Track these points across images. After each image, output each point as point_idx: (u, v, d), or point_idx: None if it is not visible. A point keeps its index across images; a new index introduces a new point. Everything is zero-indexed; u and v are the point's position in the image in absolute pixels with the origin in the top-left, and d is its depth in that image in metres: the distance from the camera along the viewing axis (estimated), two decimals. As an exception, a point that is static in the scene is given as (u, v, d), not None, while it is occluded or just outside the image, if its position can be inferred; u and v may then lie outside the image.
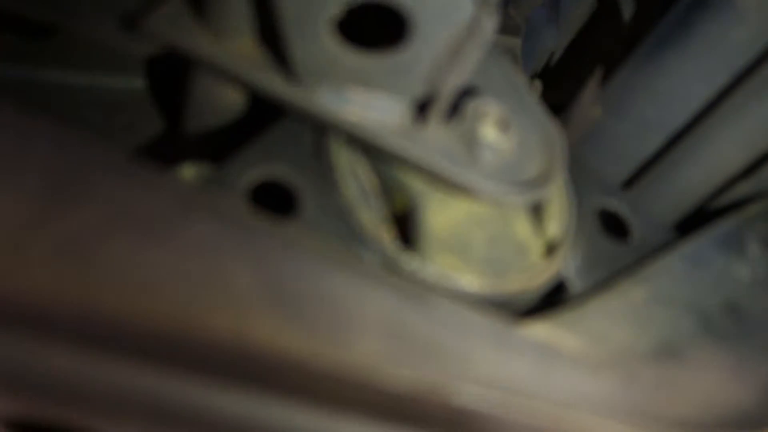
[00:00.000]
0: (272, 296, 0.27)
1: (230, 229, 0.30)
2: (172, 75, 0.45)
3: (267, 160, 0.38)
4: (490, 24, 0.34)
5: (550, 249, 0.42)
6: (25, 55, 0.43)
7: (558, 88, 0.84)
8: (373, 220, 0.38)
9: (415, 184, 0.39)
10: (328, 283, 0.29)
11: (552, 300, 0.42)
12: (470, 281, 0.37)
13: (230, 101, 0.42)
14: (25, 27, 0.43)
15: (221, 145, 0.45)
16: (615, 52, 0.63)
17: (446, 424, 0.29)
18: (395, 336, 0.28)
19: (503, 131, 0.39)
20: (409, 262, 0.36)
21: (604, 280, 0.42)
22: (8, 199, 0.27)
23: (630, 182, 0.53)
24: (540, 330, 0.35)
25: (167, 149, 0.46)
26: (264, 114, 0.41)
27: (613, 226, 0.47)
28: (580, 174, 0.47)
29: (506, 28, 0.90)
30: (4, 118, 0.29)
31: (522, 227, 0.41)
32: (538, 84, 0.89)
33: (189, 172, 0.47)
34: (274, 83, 0.37)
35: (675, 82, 0.50)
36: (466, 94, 0.39)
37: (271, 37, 0.36)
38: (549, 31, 0.91)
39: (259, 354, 0.26)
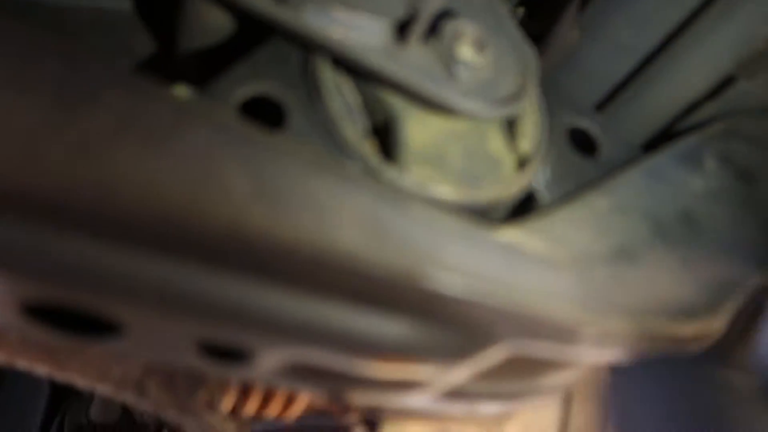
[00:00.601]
0: (263, 194, 0.31)
1: (224, 136, 0.33)
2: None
3: (256, 77, 0.40)
4: (466, -56, 0.36)
5: (522, 163, 0.45)
6: (20, -24, 0.45)
7: (540, 16, 0.85)
8: (356, 133, 0.41)
9: (396, 101, 0.42)
10: (313, 184, 0.33)
11: (522, 210, 0.46)
12: (445, 190, 0.40)
13: (220, 22, 0.44)
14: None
15: (212, 66, 0.48)
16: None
17: (418, 308, 0.33)
18: (372, 230, 0.32)
19: (479, 50, 0.42)
20: (389, 172, 0.39)
21: (571, 193, 0.46)
22: (24, 106, 0.30)
23: (603, 104, 0.56)
24: (508, 233, 0.39)
25: (160, 70, 0.48)
26: (253, 33, 0.43)
27: (583, 143, 0.50)
28: (554, 94, 0.50)
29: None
30: (17, 35, 0.32)
31: (496, 141, 0.45)
32: (520, 11, 0.89)
33: (181, 91, 0.49)
34: (262, 3, 0.39)
35: (648, 5, 0.52)
36: (445, 15, 0.42)
37: (259, -43, 0.38)
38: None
39: (252, 243, 0.29)
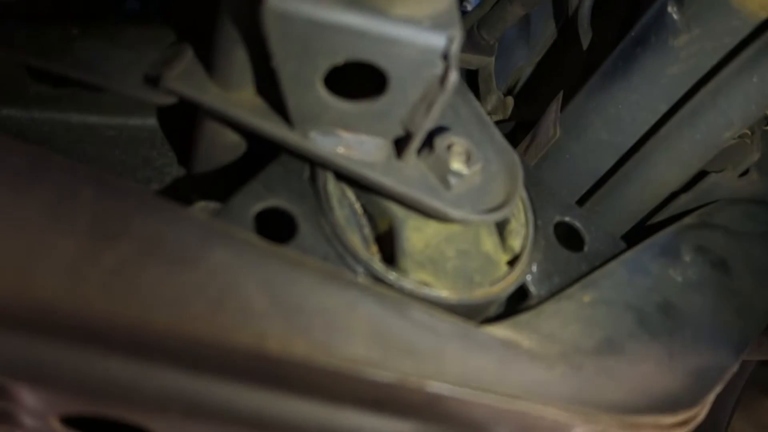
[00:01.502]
0: (281, 311, 0.34)
1: (243, 254, 0.37)
2: (182, 114, 0.52)
3: (269, 192, 0.44)
4: (454, 77, 0.41)
5: (513, 260, 0.49)
6: (53, 101, 0.50)
7: (528, 105, 0.92)
8: (360, 240, 0.45)
9: (395, 210, 0.46)
10: (325, 297, 0.36)
11: (515, 304, 0.49)
12: (443, 292, 0.44)
13: (234, 141, 0.49)
14: (54, 77, 0.49)
15: (226, 179, 0.52)
16: (575, 77, 0.70)
17: (421, 410, 0.36)
18: (378, 337, 0.35)
19: (469, 162, 0.46)
20: (391, 277, 0.43)
21: (559, 286, 0.49)
22: (64, 236, 0.34)
23: (585, 198, 0.60)
24: (501, 331, 0.42)
25: (180, 184, 0.53)
26: (264, 152, 0.47)
27: (569, 238, 0.54)
28: (540, 191, 0.54)
29: (480, 48, 0.97)
30: (55, 168, 0.36)
31: (488, 242, 0.48)
32: (510, 100, 0.96)
33: (200, 207, 0.53)
34: (273, 127, 0.43)
35: (623, 109, 0.58)
36: (437, 131, 0.46)
37: (270, 89, 0.43)
38: (521, 49, 0.98)
39: (272, 356, 0.32)
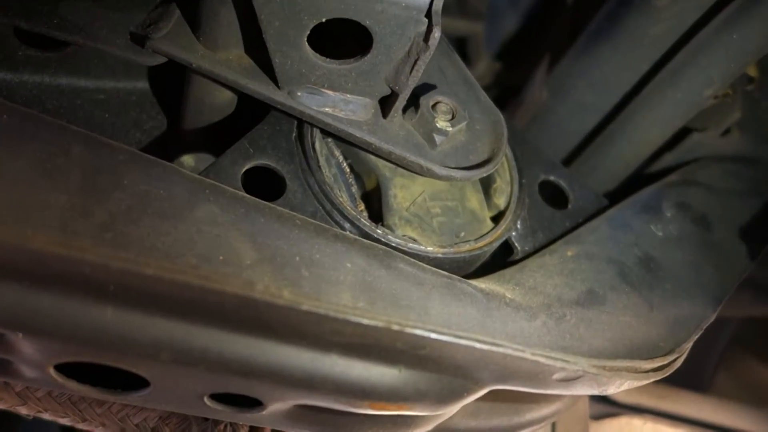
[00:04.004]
0: (269, 263, 0.35)
1: (231, 208, 0.38)
2: (171, 78, 0.52)
3: (257, 151, 0.45)
4: (438, 34, 0.41)
5: (497, 217, 0.50)
6: (42, 64, 0.50)
7: (518, 69, 0.92)
8: (348, 199, 0.46)
9: (382, 168, 0.47)
10: (312, 250, 0.37)
11: (500, 260, 0.51)
12: (429, 247, 0.45)
13: (223, 101, 0.49)
14: (43, 40, 0.49)
15: (215, 139, 0.53)
16: (561, 40, 0.71)
17: (407, 356, 0.37)
18: (365, 287, 0.36)
19: (454, 120, 0.47)
20: (379, 232, 0.44)
21: (543, 242, 0.50)
22: (56, 191, 0.35)
23: (571, 158, 0.61)
24: (485, 284, 0.43)
25: (169, 143, 0.53)
26: (252, 110, 0.48)
27: (553, 196, 0.55)
28: (525, 151, 0.55)
29: (469, 14, 0.97)
30: (46, 128, 0.37)
31: (474, 200, 0.50)
32: (498, 65, 0.96)
33: (188, 161, 0.54)
34: (260, 87, 0.44)
35: (607, 70, 0.58)
36: (422, 90, 0.47)
37: (257, 49, 0.43)
38: (510, 15, 0.98)
39: (261, 304, 0.34)
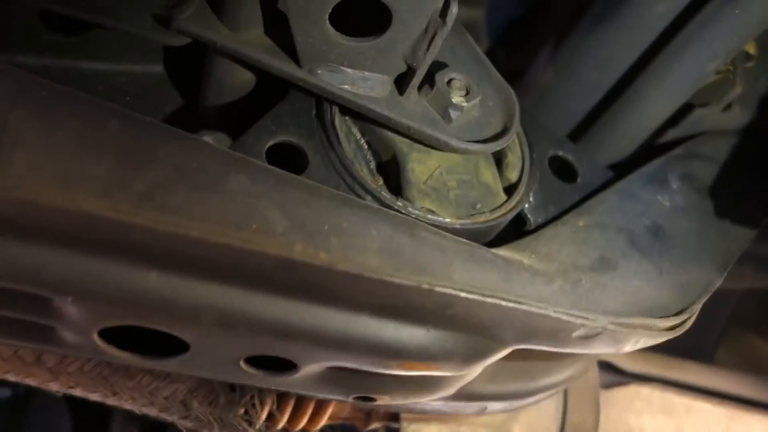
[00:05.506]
0: (299, 231, 0.37)
1: (262, 180, 0.39)
2: (188, 60, 0.54)
3: (279, 128, 0.46)
4: (455, 10, 0.43)
5: (510, 190, 0.52)
6: (65, 49, 0.51)
7: (519, 54, 0.93)
8: (366, 172, 0.47)
9: (399, 144, 0.48)
10: (340, 218, 0.39)
11: (513, 231, 0.52)
12: (447, 218, 0.47)
13: (242, 82, 0.51)
14: (66, 25, 0.50)
15: (236, 118, 0.54)
16: (564, 23, 0.72)
17: (433, 317, 0.39)
18: (391, 252, 0.38)
19: (468, 96, 0.48)
20: (398, 204, 0.46)
21: (554, 214, 0.52)
22: (96, 164, 0.36)
23: (577, 134, 0.63)
24: (503, 252, 0.45)
25: (189, 123, 0.55)
26: (273, 89, 0.49)
27: (563, 170, 0.57)
28: (534, 128, 0.56)
29: (470, 0, 0.98)
30: (82, 103, 0.38)
31: (487, 173, 0.51)
32: (501, 51, 0.97)
33: (208, 140, 0.55)
34: (282, 65, 0.45)
35: (612, 48, 0.60)
36: (436, 68, 0.49)
37: (278, 29, 0.45)
38: (511, 1, 0.99)
39: (296, 269, 0.35)
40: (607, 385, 0.84)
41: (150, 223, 0.33)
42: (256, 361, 0.42)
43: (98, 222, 0.32)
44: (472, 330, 0.41)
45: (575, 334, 0.43)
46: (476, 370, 0.45)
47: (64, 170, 0.34)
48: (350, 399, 0.46)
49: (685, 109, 0.61)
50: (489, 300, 0.38)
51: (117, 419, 1.36)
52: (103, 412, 1.37)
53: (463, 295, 0.38)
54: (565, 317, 0.41)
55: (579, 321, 0.41)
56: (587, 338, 0.44)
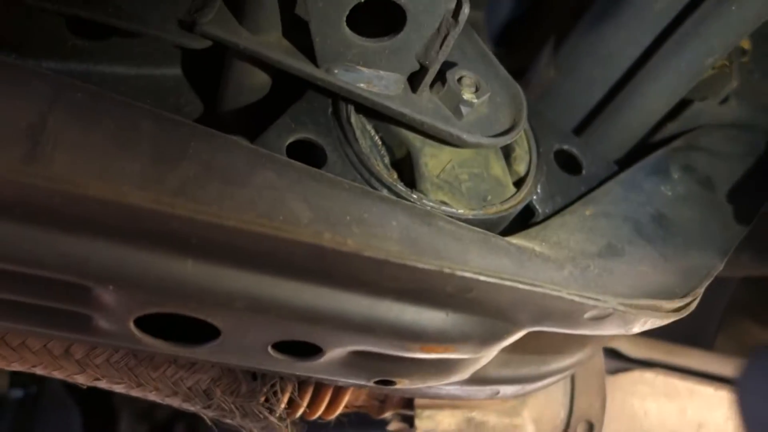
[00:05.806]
0: (323, 222, 0.39)
1: (286, 174, 0.41)
2: (205, 63, 0.56)
3: (298, 126, 0.48)
4: (467, 9, 0.45)
5: (519, 182, 0.54)
6: (88, 53, 0.53)
7: (519, 54, 0.96)
8: (382, 167, 0.49)
9: (413, 139, 0.51)
10: (360, 209, 0.41)
11: (522, 223, 0.55)
12: (460, 209, 0.49)
13: (260, 83, 0.53)
14: (90, 31, 0.52)
15: (251, 119, 0.56)
16: (564, 21, 0.74)
17: (452, 301, 0.41)
18: (410, 240, 0.40)
19: (478, 92, 0.51)
20: (413, 197, 0.48)
21: (561, 205, 0.54)
22: (130, 161, 0.38)
23: (581, 128, 0.65)
24: (515, 240, 0.47)
25: (207, 124, 0.56)
26: (290, 89, 0.51)
27: (568, 163, 0.59)
28: (540, 123, 0.59)
29: (470, 1, 1.01)
30: (115, 104, 0.40)
31: (497, 167, 0.53)
32: (501, 51, 1.00)
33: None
34: (301, 65, 0.47)
35: (613, 45, 0.62)
36: (447, 66, 0.51)
37: (296, 32, 0.47)
38: (510, 2, 1.01)
39: (324, 256, 0.37)
40: (613, 371, 0.86)
41: (188, 213, 0.35)
42: (282, 347, 0.44)
43: (140, 213, 0.34)
44: (489, 313, 0.43)
45: (587, 315, 0.45)
46: (492, 352, 0.47)
47: (104, 166, 0.36)
48: (371, 383, 0.48)
49: (683, 104, 0.63)
50: (507, 283, 0.40)
51: (125, 419, 1.38)
52: (111, 412, 1.39)
53: (482, 278, 0.40)
54: (578, 299, 0.43)
55: (591, 302, 0.43)
56: (598, 320, 0.46)
